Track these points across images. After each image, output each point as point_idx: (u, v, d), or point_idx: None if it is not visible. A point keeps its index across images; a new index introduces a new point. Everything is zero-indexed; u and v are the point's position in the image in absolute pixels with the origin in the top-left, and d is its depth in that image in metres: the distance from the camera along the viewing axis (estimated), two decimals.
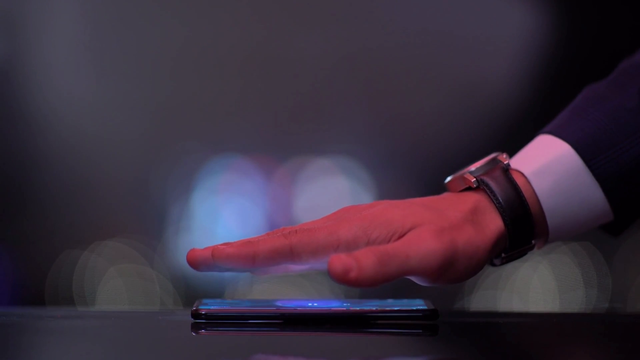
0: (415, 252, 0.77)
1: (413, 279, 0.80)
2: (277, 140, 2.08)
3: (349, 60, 2.09)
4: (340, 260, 0.75)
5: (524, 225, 0.82)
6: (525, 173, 0.83)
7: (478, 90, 2.08)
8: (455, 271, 0.79)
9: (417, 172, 2.05)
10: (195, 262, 0.81)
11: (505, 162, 0.84)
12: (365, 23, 2.10)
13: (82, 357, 0.68)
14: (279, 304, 0.84)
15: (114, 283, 2.00)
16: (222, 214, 2.05)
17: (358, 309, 0.82)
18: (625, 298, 2.02)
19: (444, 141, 2.05)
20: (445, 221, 0.80)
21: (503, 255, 0.83)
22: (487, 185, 0.83)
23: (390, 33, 2.09)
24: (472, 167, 0.84)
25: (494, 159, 0.84)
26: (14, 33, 2.06)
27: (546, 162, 0.84)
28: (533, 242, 0.84)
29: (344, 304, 0.84)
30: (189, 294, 1.98)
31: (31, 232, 2.04)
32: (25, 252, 2.04)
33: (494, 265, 0.85)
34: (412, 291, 0.86)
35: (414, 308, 0.83)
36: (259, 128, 2.08)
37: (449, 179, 0.85)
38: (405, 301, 0.85)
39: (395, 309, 0.82)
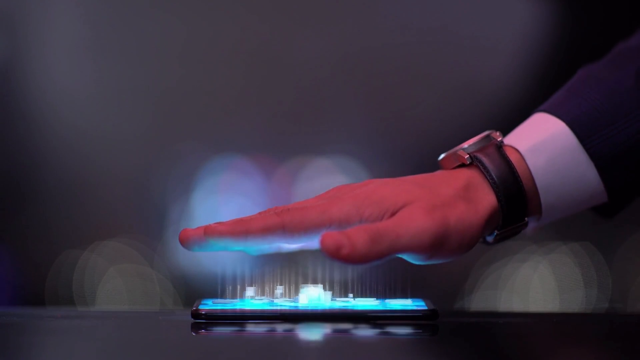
0: (406, 230, 0.77)
1: (405, 257, 0.79)
2: (277, 140, 2.08)
3: (349, 60, 2.09)
4: (332, 238, 0.75)
5: (517, 202, 0.82)
6: (520, 150, 0.83)
7: (478, 90, 2.08)
8: (447, 248, 0.79)
9: (417, 172, 2.04)
10: (187, 242, 0.81)
11: (498, 139, 0.84)
12: (364, 23, 2.10)
13: (82, 357, 0.68)
14: (278, 303, 0.84)
15: (114, 283, 2.00)
16: (222, 214, 2.05)
17: (358, 309, 0.82)
18: (625, 298, 2.02)
19: (445, 141, 2.04)
20: (437, 198, 0.80)
21: (496, 232, 0.83)
22: (480, 161, 0.83)
23: (389, 33, 2.09)
24: (465, 144, 0.84)
25: (488, 136, 0.84)
26: (14, 33, 2.06)
27: (541, 140, 0.83)
28: (526, 219, 0.83)
29: (344, 304, 0.84)
30: (189, 294, 1.98)
31: (31, 232, 2.04)
32: (25, 252, 2.04)
33: (487, 243, 0.84)
34: (412, 291, 0.86)
35: (414, 308, 0.83)
36: (259, 128, 2.08)
37: (442, 156, 0.86)
38: (405, 301, 0.85)
39: (395, 309, 0.83)
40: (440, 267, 2.05)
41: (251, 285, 0.87)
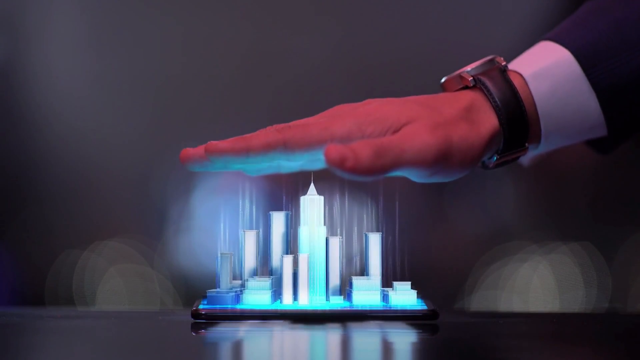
0: (410, 145, 0.78)
1: (407, 173, 0.79)
2: None
3: (349, 59, 2.09)
4: (336, 150, 0.75)
5: (519, 126, 0.82)
6: (524, 75, 0.83)
7: None
8: (449, 166, 0.79)
9: None
10: (188, 160, 0.82)
11: (502, 64, 0.84)
12: (362, 20, 2.10)
13: (82, 357, 0.68)
14: (278, 303, 0.84)
15: (114, 283, 2.00)
16: (222, 214, 2.05)
17: (358, 308, 0.82)
18: (625, 298, 2.02)
19: None
20: (440, 117, 0.80)
21: (496, 156, 0.83)
22: (483, 84, 0.83)
23: (388, 31, 2.09)
24: (469, 67, 0.85)
25: (492, 60, 0.85)
26: (14, 33, 2.06)
27: (545, 66, 0.84)
28: (527, 144, 0.83)
29: (345, 304, 0.84)
30: (189, 294, 1.98)
31: (31, 232, 2.04)
32: (25, 252, 2.04)
33: (486, 167, 0.84)
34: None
35: (414, 308, 0.83)
36: (259, 128, 2.08)
37: (444, 78, 0.86)
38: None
39: (395, 309, 0.83)
40: (440, 267, 2.05)
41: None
